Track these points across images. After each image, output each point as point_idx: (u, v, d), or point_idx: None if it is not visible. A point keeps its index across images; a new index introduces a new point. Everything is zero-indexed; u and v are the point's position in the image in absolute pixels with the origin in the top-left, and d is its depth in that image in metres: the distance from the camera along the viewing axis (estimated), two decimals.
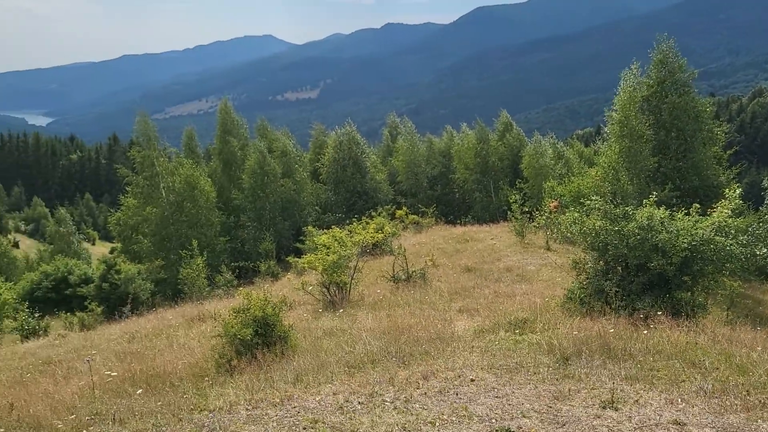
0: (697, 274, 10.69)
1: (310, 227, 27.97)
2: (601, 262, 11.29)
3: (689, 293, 10.81)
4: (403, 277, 16.20)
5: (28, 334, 22.10)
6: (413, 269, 16.39)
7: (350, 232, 16.87)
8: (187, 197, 35.20)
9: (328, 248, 15.10)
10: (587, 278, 11.39)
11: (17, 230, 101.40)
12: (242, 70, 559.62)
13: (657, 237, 10.42)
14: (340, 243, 15.34)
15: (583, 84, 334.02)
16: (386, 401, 6.42)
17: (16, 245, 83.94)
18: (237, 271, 31.68)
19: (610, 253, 10.95)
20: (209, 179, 38.07)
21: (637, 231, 10.61)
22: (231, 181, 40.86)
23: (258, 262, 30.35)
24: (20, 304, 25.49)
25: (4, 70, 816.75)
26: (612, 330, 8.66)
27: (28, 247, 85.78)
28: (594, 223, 11.18)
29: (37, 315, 23.76)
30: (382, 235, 17.12)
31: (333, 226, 17.68)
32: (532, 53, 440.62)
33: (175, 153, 40.95)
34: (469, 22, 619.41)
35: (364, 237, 16.25)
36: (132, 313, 22.81)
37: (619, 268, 11.07)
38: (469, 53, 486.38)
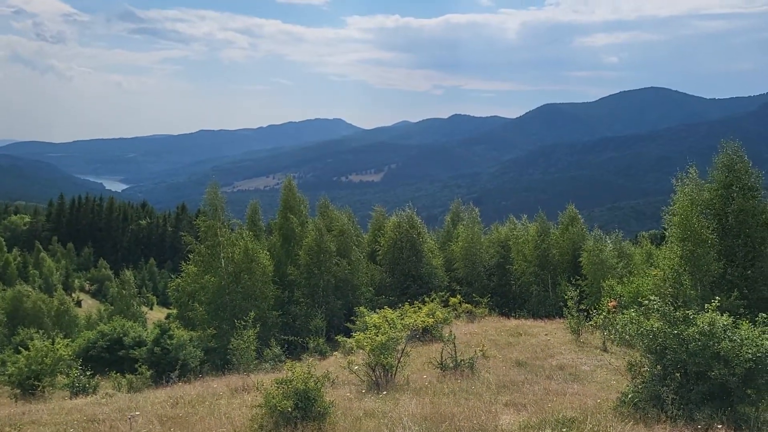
0: (762, 387, 10.05)
1: (362, 308, 27.91)
2: (658, 366, 10.80)
3: (754, 408, 10.15)
4: (451, 365, 15.85)
5: (78, 391, 22.51)
6: (462, 358, 16.03)
7: (401, 314, 16.76)
8: (245, 269, 35.84)
9: (378, 329, 15.00)
10: (643, 382, 10.88)
11: (82, 289, 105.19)
12: (311, 150, 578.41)
13: (719, 345, 9.94)
14: (390, 324, 15.24)
15: (650, 185, 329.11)
16: None
17: (78, 304, 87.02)
18: (286, 345, 31.66)
19: (668, 357, 10.48)
20: (268, 253, 38.78)
21: (697, 336, 10.17)
22: (288, 257, 41.50)
23: (307, 339, 30.29)
24: (74, 361, 26.06)
25: (90, 137, 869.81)
26: None
27: (90, 306, 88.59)
28: (652, 325, 10.79)
29: (89, 373, 24.20)
30: (432, 320, 16.92)
31: (385, 307, 17.62)
32: (599, 151, 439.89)
33: (239, 225, 42.14)
34: (536, 117, 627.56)
35: (415, 320, 16.11)
36: (179, 379, 22.98)
37: (678, 374, 10.54)
38: (534, 147, 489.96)
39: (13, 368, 24.22)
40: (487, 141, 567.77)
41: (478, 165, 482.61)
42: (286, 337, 33.20)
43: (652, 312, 11.21)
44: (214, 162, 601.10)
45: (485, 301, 33.35)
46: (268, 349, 27.08)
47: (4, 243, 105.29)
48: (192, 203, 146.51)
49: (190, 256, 38.71)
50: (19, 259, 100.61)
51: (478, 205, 49.68)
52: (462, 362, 15.84)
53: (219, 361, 30.21)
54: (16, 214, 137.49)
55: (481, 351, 18.06)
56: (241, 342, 25.78)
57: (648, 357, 10.97)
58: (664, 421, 9.43)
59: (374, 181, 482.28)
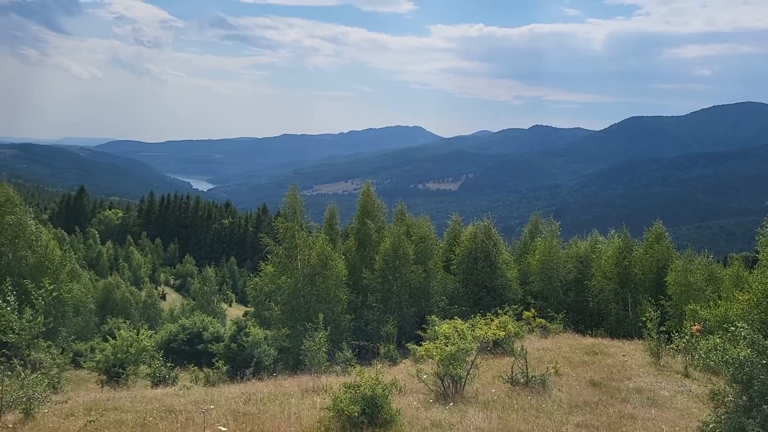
0: None
1: (434, 316, 27.80)
2: (744, 396, 10.23)
3: None
4: (522, 380, 15.56)
5: (158, 381, 23.50)
6: (533, 374, 15.71)
7: (472, 325, 16.59)
8: (320, 272, 36.43)
9: (447, 339, 14.92)
10: (726, 413, 10.34)
11: (167, 283, 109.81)
12: (389, 156, 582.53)
13: None
14: (460, 335, 15.12)
15: (741, 205, 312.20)
16: None
17: (163, 297, 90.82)
18: (357, 350, 31.95)
19: (756, 388, 9.91)
20: (343, 257, 39.27)
21: None
22: (363, 261, 41.85)
23: (378, 344, 30.46)
24: (157, 352, 27.20)
25: (180, 138, 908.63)
26: None
27: (174, 300, 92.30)
28: (739, 353, 10.24)
29: (169, 365, 25.21)
30: (504, 333, 16.66)
31: (455, 317, 17.50)
32: (687, 168, 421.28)
33: (316, 228, 42.87)
34: (621, 130, 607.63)
35: (486, 333, 15.90)
36: (253, 376, 23.59)
37: (765, 406, 9.95)
38: (618, 162, 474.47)
39: (101, 355, 25.53)
40: (569, 153, 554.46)
41: (558, 177, 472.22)
42: (357, 342, 33.52)
43: (740, 339, 10.64)
44: (296, 165, 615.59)
45: (560, 317, 32.51)
46: (340, 352, 27.42)
47: (98, 236, 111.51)
48: (273, 205, 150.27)
49: (269, 256, 39.70)
50: (111, 251, 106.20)
51: (557, 218, 48.46)
52: (533, 378, 15.53)
53: (291, 360, 30.85)
54: (110, 209, 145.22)
55: (553, 368, 17.63)
56: (314, 343, 26.24)
57: (733, 386, 10.42)
58: None
59: (451, 189, 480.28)
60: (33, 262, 33.46)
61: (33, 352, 17.19)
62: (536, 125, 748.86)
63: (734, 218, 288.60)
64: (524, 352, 16.30)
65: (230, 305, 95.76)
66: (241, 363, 27.34)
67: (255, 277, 42.85)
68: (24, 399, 11.37)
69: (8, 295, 15.72)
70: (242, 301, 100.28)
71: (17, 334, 15.25)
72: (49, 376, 15.76)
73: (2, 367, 12.47)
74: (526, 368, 15.76)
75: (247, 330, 30.04)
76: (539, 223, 51.48)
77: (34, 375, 12.70)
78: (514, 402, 13.24)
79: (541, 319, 30.40)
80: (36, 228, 35.47)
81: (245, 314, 65.18)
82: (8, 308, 15.56)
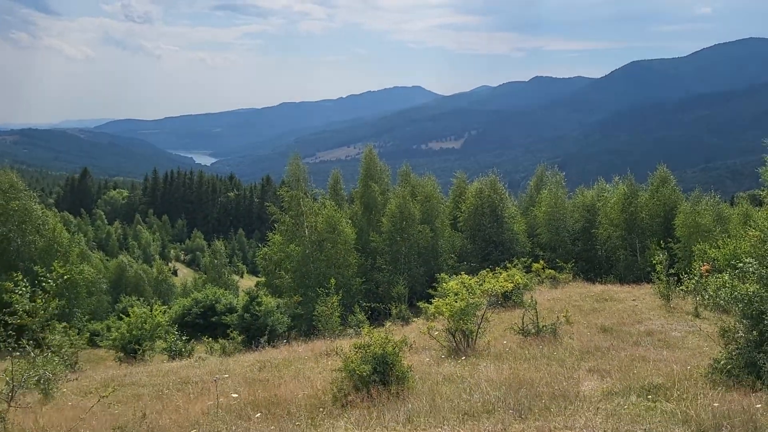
0: None
1: (443, 274, 27.88)
2: (754, 332, 10.22)
3: None
4: (533, 330, 15.65)
5: (174, 354, 23.79)
6: (544, 324, 15.78)
7: (480, 279, 16.62)
8: (328, 237, 36.53)
9: (456, 294, 14.96)
10: (737, 348, 10.35)
11: (177, 259, 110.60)
12: (390, 119, 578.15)
13: None
14: (468, 290, 15.15)
15: (748, 144, 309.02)
16: None
17: (174, 273, 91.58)
18: (370, 312, 32.19)
19: (766, 322, 9.90)
20: (350, 221, 39.33)
21: None
22: (370, 225, 41.96)
23: (390, 305, 30.67)
24: (171, 327, 27.47)
25: (180, 113, 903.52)
26: (760, 406, 7.75)
27: (185, 275, 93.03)
28: (747, 288, 10.21)
29: (185, 338, 25.48)
30: (512, 285, 16.69)
31: (462, 273, 17.53)
32: (691, 110, 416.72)
33: (321, 195, 42.86)
34: (623, 76, 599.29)
35: (494, 286, 15.93)
36: (268, 344, 23.84)
37: None
38: (621, 108, 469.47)
39: (117, 333, 25.82)
40: (571, 103, 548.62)
41: (561, 128, 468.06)
42: (369, 304, 33.74)
43: (748, 275, 10.59)
44: (297, 134, 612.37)
45: (569, 266, 32.59)
46: (352, 316, 27.63)
47: (105, 217, 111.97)
48: (276, 174, 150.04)
49: (276, 225, 39.81)
50: (119, 231, 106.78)
51: (562, 170, 48.17)
52: (544, 328, 15.61)
53: (305, 327, 31.16)
54: (115, 189, 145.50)
55: (564, 317, 17.69)
56: (326, 309, 26.42)
57: (743, 322, 10.41)
58: (760, 389, 8.95)
59: (454, 148, 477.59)
60: (42, 247, 33.68)
61: (49, 335, 17.39)
62: (536, 76, 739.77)
63: (741, 158, 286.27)
64: (534, 302, 16.35)
65: (242, 276, 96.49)
66: (255, 332, 27.59)
67: (264, 246, 43.03)
68: (35, 379, 11.52)
69: (19, 282, 15.81)
70: (253, 271, 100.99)
71: (30, 317, 15.37)
72: (62, 355, 15.98)
73: (18, 350, 12.61)
74: (537, 318, 15.83)
75: (260, 299, 30.21)
76: (544, 174, 51.29)
77: (45, 355, 12.84)
78: (526, 352, 13.33)
79: (550, 270, 30.47)
80: (42, 212, 35.58)
81: (257, 284, 65.68)
82: (19, 294, 15.65)
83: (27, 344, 11.82)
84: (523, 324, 15.92)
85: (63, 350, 17.29)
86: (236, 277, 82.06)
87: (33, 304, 15.64)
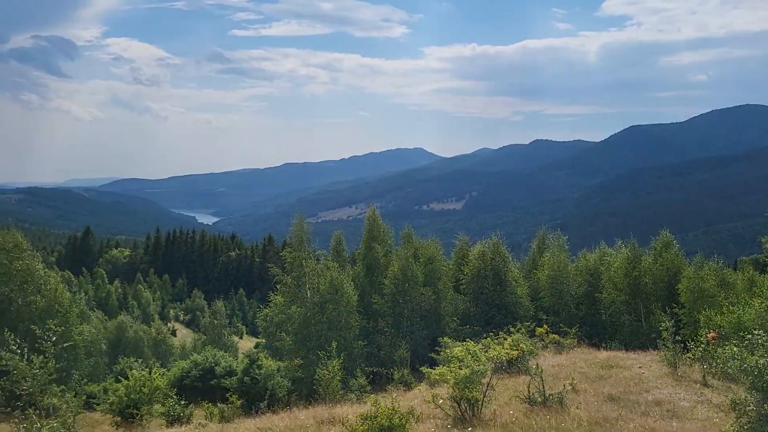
0: None
1: (446, 338, 27.60)
2: (765, 405, 10.09)
3: None
4: (539, 399, 15.39)
5: (173, 420, 23.35)
6: (551, 392, 15.54)
7: (485, 346, 16.47)
8: (330, 299, 36.30)
9: (461, 361, 14.80)
10: (749, 422, 10.19)
11: (176, 319, 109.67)
12: (392, 180, 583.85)
13: None
14: (473, 357, 14.99)
15: (749, 208, 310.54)
16: None
17: (173, 333, 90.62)
18: (371, 376, 31.71)
19: None
20: (352, 283, 39.18)
21: None
22: (372, 286, 41.75)
23: (392, 369, 30.23)
24: (170, 391, 27.05)
25: (184, 173, 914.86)
26: None
27: (184, 335, 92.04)
28: (757, 361, 10.12)
29: (183, 402, 25.06)
30: (517, 352, 16.52)
31: (468, 339, 17.39)
32: (691, 174, 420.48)
33: (324, 256, 42.82)
34: (621, 140, 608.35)
35: (499, 353, 15.77)
36: (268, 408, 23.41)
37: None
38: (621, 172, 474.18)
39: (114, 397, 25.42)
40: (571, 166, 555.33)
41: (561, 191, 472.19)
42: (371, 368, 33.28)
43: (757, 347, 10.52)
44: (299, 193, 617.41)
45: (573, 331, 32.23)
46: (354, 380, 27.21)
47: (105, 276, 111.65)
48: (278, 234, 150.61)
49: (278, 286, 39.63)
50: (119, 290, 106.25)
51: (562, 232, 48.29)
52: (551, 397, 15.36)
53: (305, 390, 30.61)
54: (117, 248, 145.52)
55: (570, 385, 17.44)
56: (327, 372, 26.05)
57: (754, 395, 10.28)
58: None
59: (455, 209, 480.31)
60: (42, 307, 33.45)
61: (46, 398, 17.11)
62: (536, 140, 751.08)
63: (742, 221, 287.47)
64: (540, 370, 16.14)
65: (241, 337, 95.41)
66: (255, 396, 27.17)
67: (265, 308, 42.67)
68: None
69: (13, 344, 15.64)
70: (253, 332, 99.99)
71: (27, 381, 15.17)
72: (64, 422, 15.69)
73: (18, 416, 12.41)
74: (543, 386, 15.59)
75: (260, 362, 29.89)
76: (546, 237, 51.37)
77: (50, 422, 12.62)
78: (533, 422, 13.09)
79: (554, 335, 30.10)
80: (44, 272, 35.52)
81: (256, 345, 64.90)
82: (16, 357, 15.50)
83: (31, 412, 11.64)
84: (529, 392, 15.68)
85: (61, 415, 16.98)
86: (236, 338, 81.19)
87: (30, 366, 15.47)
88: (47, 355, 14.58)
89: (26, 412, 11.88)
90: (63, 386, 20.98)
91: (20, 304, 33.27)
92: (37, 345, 15.73)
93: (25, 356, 15.68)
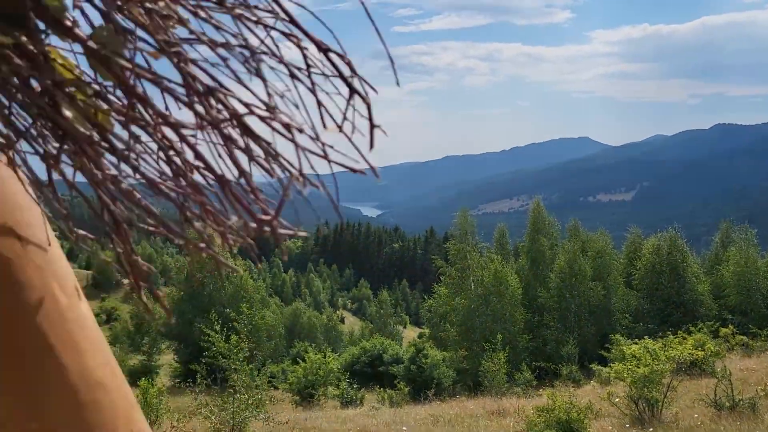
0: None
1: (617, 335, 26.49)
2: None
3: None
4: (727, 404, 14.34)
5: (347, 402, 24.70)
6: (740, 397, 14.42)
7: (664, 345, 15.64)
8: (494, 292, 36.26)
9: (638, 360, 14.20)
10: None
11: (344, 307, 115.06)
12: (554, 170, 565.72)
13: None
14: (652, 356, 14.32)
15: None
16: None
17: (342, 321, 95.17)
18: (537, 371, 31.23)
19: None
20: (516, 276, 38.80)
21: None
22: (537, 280, 41.01)
23: (559, 365, 29.58)
24: (342, 374, 28.58)
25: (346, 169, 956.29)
26: None
27: (352, 323, 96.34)
28: None
29: (355, 386, 26.41)
30: (702, 353, 15.50)
31: (645, 337, 16.62)
32: None
33: (486, 248, 42.81)
34: None
35: (681, 353, 14.91)
36: (435, 397, 23.98)
37: None
38: None
39: (293, 377, 27.36)
40: (758, 152, 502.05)
41: (746, 179, 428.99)
42: (537, 363, 32.75)
43: None
44: (459, 186, 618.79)
45: (765, 333, 29.49)
46: (519, 373, 27.00)
47: (281, 265, 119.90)
48: (439, 227, 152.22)
49: (441, 278, 40.28)
50: (293, 279, 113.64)
51: (751, 225, 44.13)
52: (741, 402, 14.25)
53: (470, 382, 30.88)
54: (290, 239, 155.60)
55: (763, 390, 16.04)
56: (492, 365, 26.09)
57: None
58: None
59: (624, 200, 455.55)
60: (231, 292, 36.81)
61: (237, 376, 18.94)
62: (718, 124, 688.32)
63: None
64: (728, 372, 15.03)
65: (405, 327, 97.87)
66: (421, 384, 27.84)
67: (428, 299, 43.54)
68: (240, 420, 12.59)
69: (215, 323, 17.50)
70: (416, 322, 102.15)
71: (226, 358, 16.85)
72: (259, 397, 17.29)
73: (217, 390, 13.91)
74: (731, 390, 14.51)
75: (425, 352, 30.58)
76: (731, 230, 47.26)
77: (252, 396, 13.98)
78: (721, 428, 12.27)
79: (741, 336, 27.79)
80: (232, 260, 39.03)
81: (420, 336, 66.29)
82: (216, 335, 17.25)
83: (236, 379, 12.96)
84: (716, 395, 14.66)
85: (260, 394, 18.70)
86: (400, 328, 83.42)
87: (228, 344, 17.21)
88: (241, 336, 16.10)
89: (227, 385, 13.26)
90: (252, 365, 23.10)
91: (212, 289, 36.93)
92: (232, 325, 17.39)
93: (222, 336, 17.49)
